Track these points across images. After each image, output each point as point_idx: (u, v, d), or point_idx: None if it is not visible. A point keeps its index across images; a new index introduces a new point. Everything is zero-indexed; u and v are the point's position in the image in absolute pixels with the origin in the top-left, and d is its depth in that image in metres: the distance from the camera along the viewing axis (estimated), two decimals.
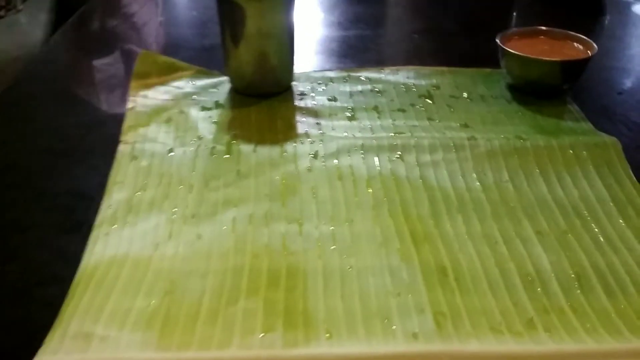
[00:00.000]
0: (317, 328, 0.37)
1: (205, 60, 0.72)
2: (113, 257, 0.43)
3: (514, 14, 0.93)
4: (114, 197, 0.49)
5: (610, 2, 0.96)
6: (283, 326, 0.38)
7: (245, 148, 0.56)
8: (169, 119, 0.60)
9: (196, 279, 0.41)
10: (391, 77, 0.69)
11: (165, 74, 0.67)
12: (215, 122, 0.60)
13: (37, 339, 0.36)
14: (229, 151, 0.55)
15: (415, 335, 0.37)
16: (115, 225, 0.46)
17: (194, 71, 0.68)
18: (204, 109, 0.62)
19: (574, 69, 0.63)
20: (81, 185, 0.52)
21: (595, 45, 0.63)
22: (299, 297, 0.40)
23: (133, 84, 0.65)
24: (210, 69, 0.69)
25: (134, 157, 0.54)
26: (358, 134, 0.58)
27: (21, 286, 0.42)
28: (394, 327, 0.38)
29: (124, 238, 0.45)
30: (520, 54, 0.63)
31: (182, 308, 0.39)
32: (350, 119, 0.61)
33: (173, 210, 0.48)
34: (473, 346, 0.36)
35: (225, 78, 0.67)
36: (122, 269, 0.42)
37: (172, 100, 0.63)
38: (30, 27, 2.62)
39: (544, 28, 0.68)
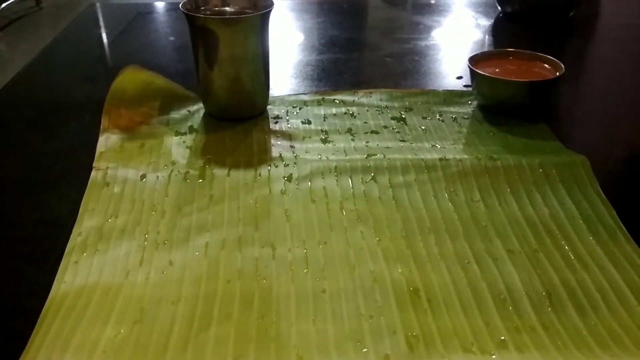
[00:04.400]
0: (289, 353, 0.37)
1: (181, 84, 0.72)
2: (82, 286, 0.42)
3: (485, 36, 0.95)
4: (85, 225, 0.49)
5: (578, 22, 0.98)
6: (255, 352, 0.37)
7: (219, 172, 0.56)
8: (142, 145, 0.60)
9: (167, 306, 0.41)
10: (365, 100, 0.70)
11: (139, 98, 0.66)
12: (189, 147, 0.60)
13: None
14: (202, 176, 0.55)
15: (387, 358, 0.37)
16: (85, 253, 0.46)
17: (170, 88, 0.68)
18: (177, 133, 0.62)
19: (542, 89, 0.64)
20: (51, 213, 0.51)
21: (562, 65, 0.64)
22: (271, 322, 0.39)
23: (106, 109, 0.65)
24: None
25: (106, 184, 0.54)
26: (332, 157, 0.58)
27: None
28: (366, 349, 0.37)
29: (94, 266, 0.44)
30: (490, 75, 0.64)
31: (152, 336, 0.38)
32: (324, 141, 0.61)
33: (145, 236, 0.47)
34: None
35: (199, 103, 0.67)
36: (91, 298, 0.41)
37: (145, 125, 0.63)
38: (10, 55, 2.62)
39: (512, 49, 0.69)
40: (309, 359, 0.37)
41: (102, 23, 1.06)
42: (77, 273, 0.44)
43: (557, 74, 0.64)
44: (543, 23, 0.97)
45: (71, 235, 0.47)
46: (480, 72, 0.64)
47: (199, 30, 0.61)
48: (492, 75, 0.64)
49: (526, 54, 0.68)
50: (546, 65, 0.67)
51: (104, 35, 0.99)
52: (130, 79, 0.66)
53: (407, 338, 0.38)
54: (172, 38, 1.00)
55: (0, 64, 2.45)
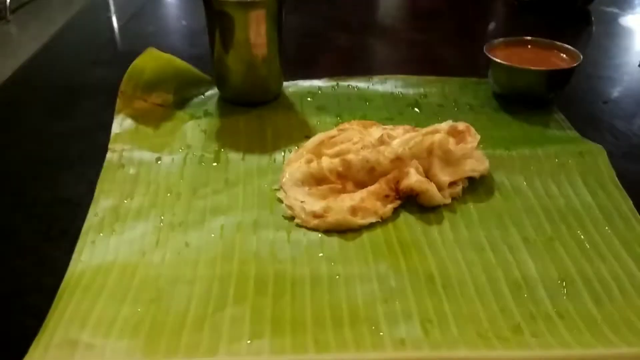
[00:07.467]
0: (304, 335, 0.37)
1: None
2: (99, 264, 0.43)
3: (501, 24, 0.95)
4: (101, 205, 0.49)
5: (596, 13, 0.97)
6: (270, 333, 0.37)
7: (234, 156, 0.56)
8: (157, 127, 0.60)
9: (183, 286, 0.41)
10: (379, 86, 0.69)
11: (155, 81, 0.65)
12: (203, 131, 0.60)
13: (20, 348, 0.36)
14: (217, 159, 0.55)
15: (402, 342, 0.37)
16: (102, 233, 0.46)
17: (187, 70, 0.67)
18: (192, 117, 0.62)
19: (559, 78, 0.63)
20: (67, 192, 0.52)
21: (580, 54, 0.64)
22: (287, 304, 0.40)
23: (122, 91, 0.64)
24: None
25: (121, 165, 0.54)
26: None
27: (4, 294, 0.41)
28: (382, 333, 0.37)
29: (111, 246, 0.45)
30: (506, 63, 0.63)
31: (168, 315, 0.39)
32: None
33: (160, 218, 0.48)
34: (461, 352, 0.36)
35: (213, 87, 0.67)
36: (109, 276, 0.42)
37: (160, 108, 0.63)
38: (20, 38, 2.62)
39: (530, 38, 0.68)
40: (325, 341, 0.37)
41: (112, 7, 1.05)
42: (94, 252, 0.44)
43: (575, 63, 0.63)
44: (558, 13, 0.96)
45: (88, 215, 0.48)
46: (497, 59, 0.64)
47: (215, 13, 0.61)
48: (509, 64, 0.63)
49: (544, 43, 0.67)
50: (564, 54, 0.66)
51: (114, 19, 0.99)
52: (149, 60, 0.65)
53: (423, 323, 0.38)
54: (184, 22, 1.00)
55: (11, 46, 2.46)
